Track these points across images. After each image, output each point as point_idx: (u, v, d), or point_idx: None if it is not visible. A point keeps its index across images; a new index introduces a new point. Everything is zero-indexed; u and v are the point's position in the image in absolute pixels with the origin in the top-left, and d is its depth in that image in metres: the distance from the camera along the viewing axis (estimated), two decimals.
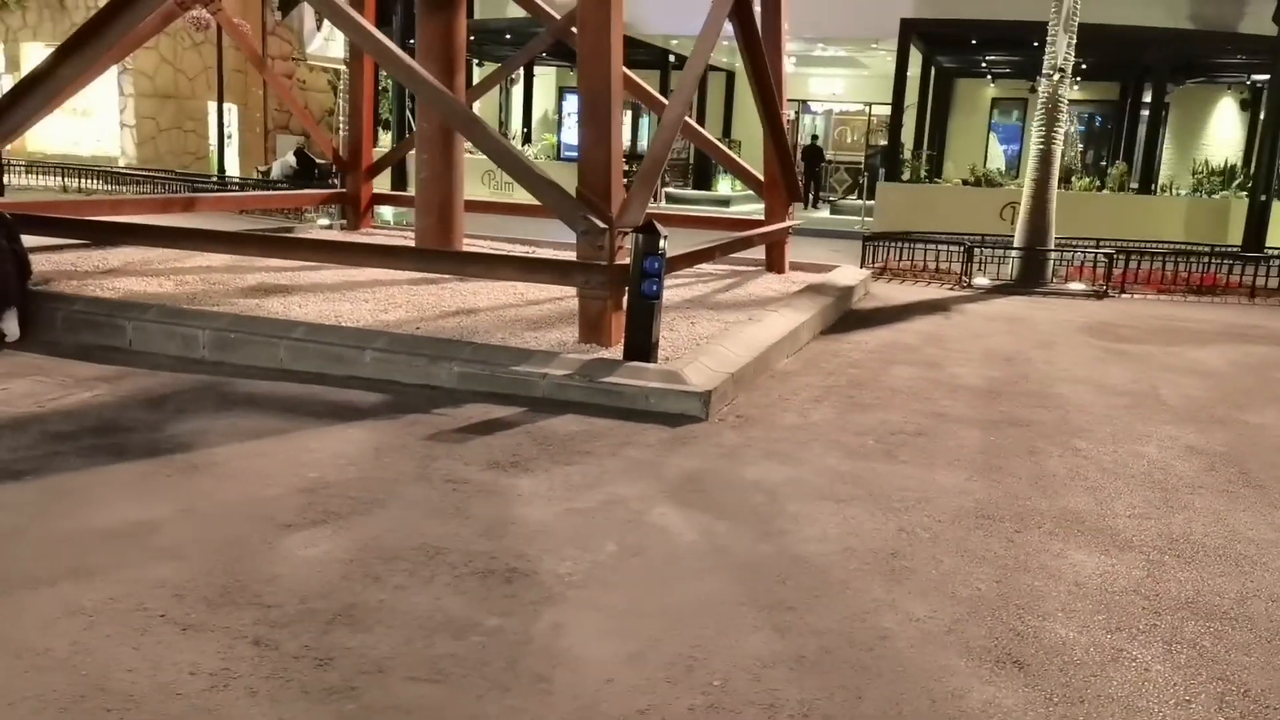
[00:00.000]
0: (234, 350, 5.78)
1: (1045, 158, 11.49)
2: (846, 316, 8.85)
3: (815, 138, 25.72)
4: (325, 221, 13.02)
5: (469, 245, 9.52)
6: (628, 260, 5.76)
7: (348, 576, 3.12)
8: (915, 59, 19.30)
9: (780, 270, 10.04)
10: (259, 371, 5.62)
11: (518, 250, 9.88)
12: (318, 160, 18.83)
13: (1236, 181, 16.93)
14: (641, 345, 5.59)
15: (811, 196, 23.61)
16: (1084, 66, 18.72)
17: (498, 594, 3.07)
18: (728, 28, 8.34)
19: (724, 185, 22.45)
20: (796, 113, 26.62)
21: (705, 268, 10.04)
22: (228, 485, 3.87)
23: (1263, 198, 15.38)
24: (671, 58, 21.74)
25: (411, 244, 8.97)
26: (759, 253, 10.13)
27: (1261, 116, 17.66)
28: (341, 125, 18.23)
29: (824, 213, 21.63)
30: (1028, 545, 3.70)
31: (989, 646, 2.92)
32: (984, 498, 4.20)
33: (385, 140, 20.16)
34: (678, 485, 4.16)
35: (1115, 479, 4.55)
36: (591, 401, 5.24)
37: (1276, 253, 13.81)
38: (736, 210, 19.88)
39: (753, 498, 4.07)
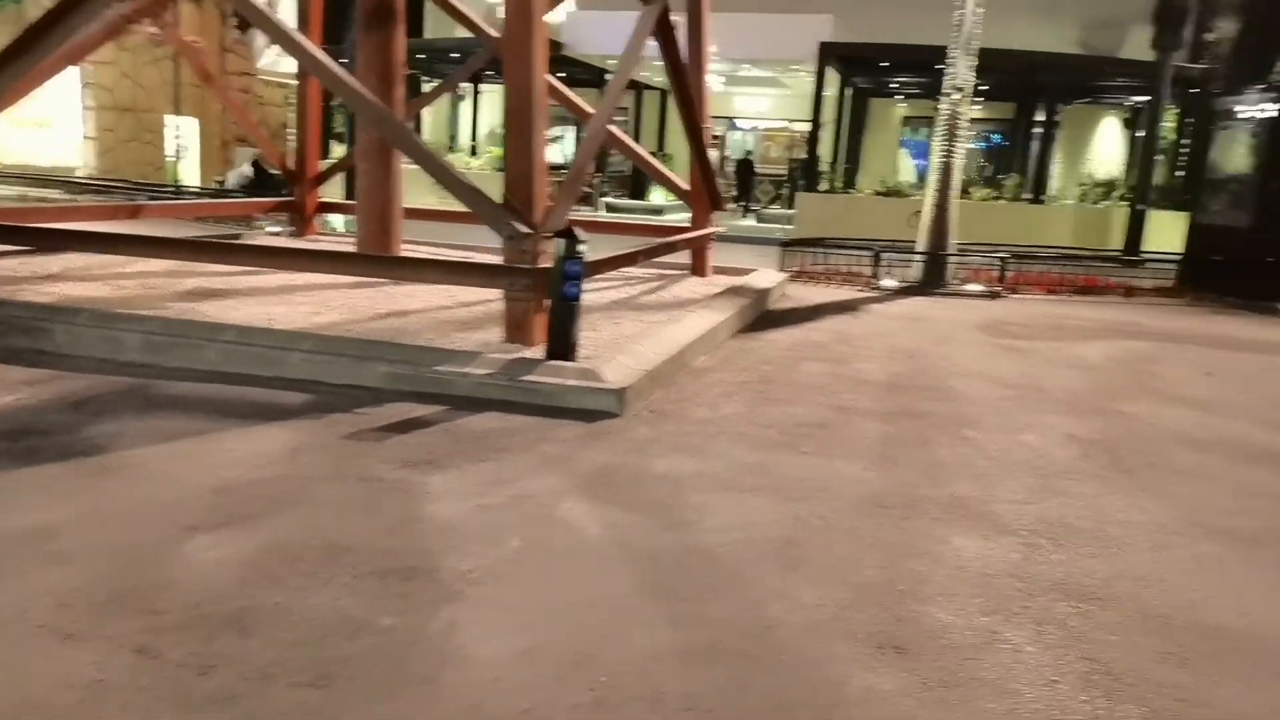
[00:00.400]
0: (164, 353, 5.47)
1: (946, 170, 11.54)
2: (763, 317, 8.76)
3: (749, 153, 25.82)
4: (275, 228, 12.59)
5: (409, 251, 9.24)
6: (551, 264, 5.57)
7: (246, 579, 2.90)
8: (833, 80, 19.39)
9: (703, 274, 9.92)
10: (188, 374, 5.31)
11: (456, 255, 9.61)
12: (273, 171, 18.29)
13: (1117, 192, 17.27)
14: (562, 345, 5.41)
15: (743, 206, 23.71)
16: (984, 88, 18.95)
17: (395, 593, 2.87)
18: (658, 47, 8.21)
19: (658, 195, 22.32)
20: (726, 129, 26.64)
21: (633, 271, 9.88)
22: (138, 488, 3.60)
23: (1140, 207, 15.72)
24: (608, 76, 21.56)
25: (352, 250, 8.67)
26: (686, 258, 10.01)
27: (1141, 134, 18.06)
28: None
29: (751, 221, 21.61)
30: (915, 531, 3.61)
31: (872, 632, 2.80)
32: (878, 486, 4.10)
33: (340, 152, 19.68)
34: (588, 480, 3.99)
35: (999, 466, 4.49)
36: (511, 400, 5.05)
37: (1152, 257, 14.11)
38: (670, 219, 19.78)
39: (659, 490, 3.92)
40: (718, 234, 10.23)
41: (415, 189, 10.97)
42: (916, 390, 6.05)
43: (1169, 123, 17.56)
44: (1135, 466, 4.62)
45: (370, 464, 3.98)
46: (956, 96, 11.29)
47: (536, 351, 5.58)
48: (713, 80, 23.47)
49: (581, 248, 5.43)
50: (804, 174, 18.63)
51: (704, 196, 9.67)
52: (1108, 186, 17.53)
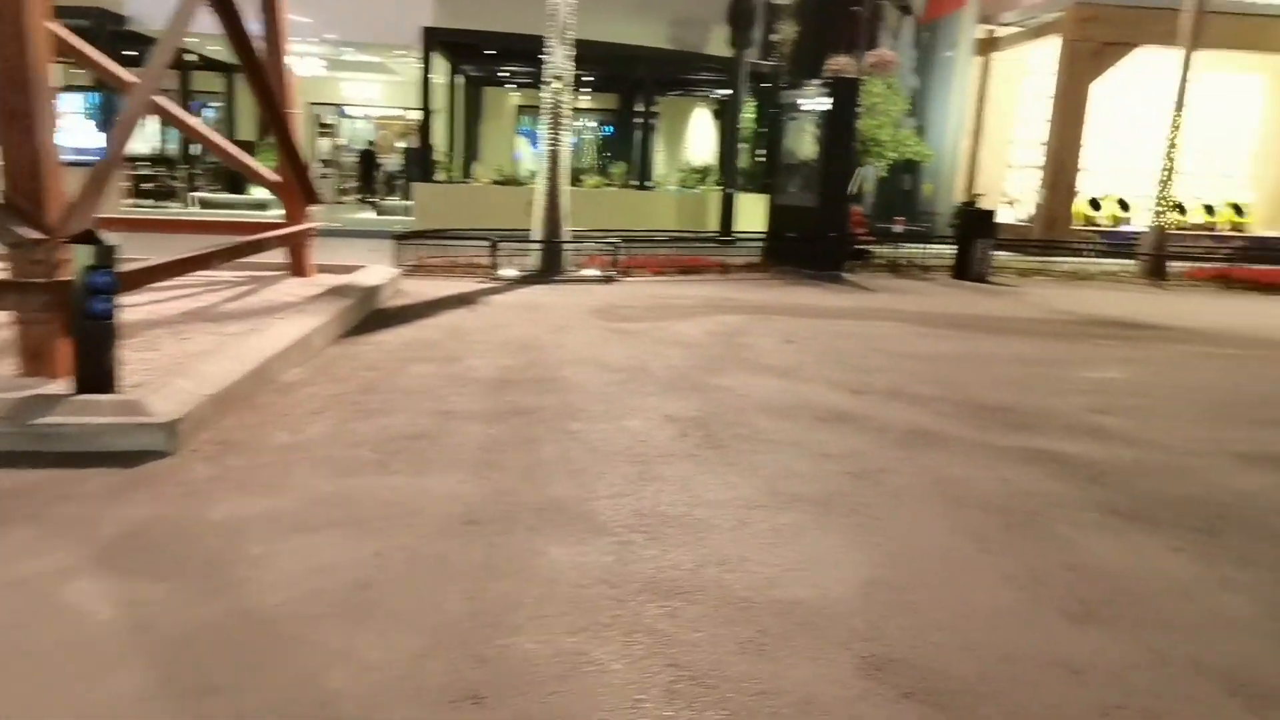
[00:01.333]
0: None
1: (554, 158, 11.64)
2: (372, 317, 8.13)
3: (371, 143, 24.55)
4: None
5: None
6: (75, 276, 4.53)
7: None
8: (442, 67, 18.91)
9: (304, 274, 9.03)
10: None
11: None
12: None
13: (712, 178, 18.82)
14: (95, 374, 4.42)
15: (364, 199, 22.54)
16: (587, 79, 19.62)
17: None
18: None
19: (260, 190, 20.33)
20: (337, 117, 25.10)
21: (221, 276, 8.72)
22: None
23: (729, 191, 17.24)
24: (187, 56, 19.23)
25: None
26: (286, 258, 9.04)
27: (724, 124, 19.81)
28: None
29: (371, 214, 20.48)
30: (508, 547, 3.33)
31: (448, 683, 2.45)
32: (474, 500, 3.79)
33: None
34: (113, 546, 3.20)
35: (600, 459, 4.40)
36: (23, 450, 4.01)
37: (743, 236, 15.52)
38: (274, 214, 18.15)
39: (210, 545, 3.26)
40: (318, 229, 9.36)
41: None
42: (527, 384, 5.86)
43: (749, 114, 19.45)
44: (726, 440, 4.78)
45: None
46: (557, 85, 11.40)
47: (64, 385, 4.53)
48: (313, 64, 21.92)
49: (113, 254, 4.48)
50: (419, 163, 18.00)
51: (295, 188, 8.76)
52: (703, 173, 19.03)
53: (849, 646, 2.75)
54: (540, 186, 11.83)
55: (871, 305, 10.27)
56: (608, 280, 11.47)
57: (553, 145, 11.59)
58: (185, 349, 5.58)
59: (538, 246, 11.76)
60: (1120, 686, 2.60)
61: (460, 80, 20.43)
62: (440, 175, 17.45)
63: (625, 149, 21.71)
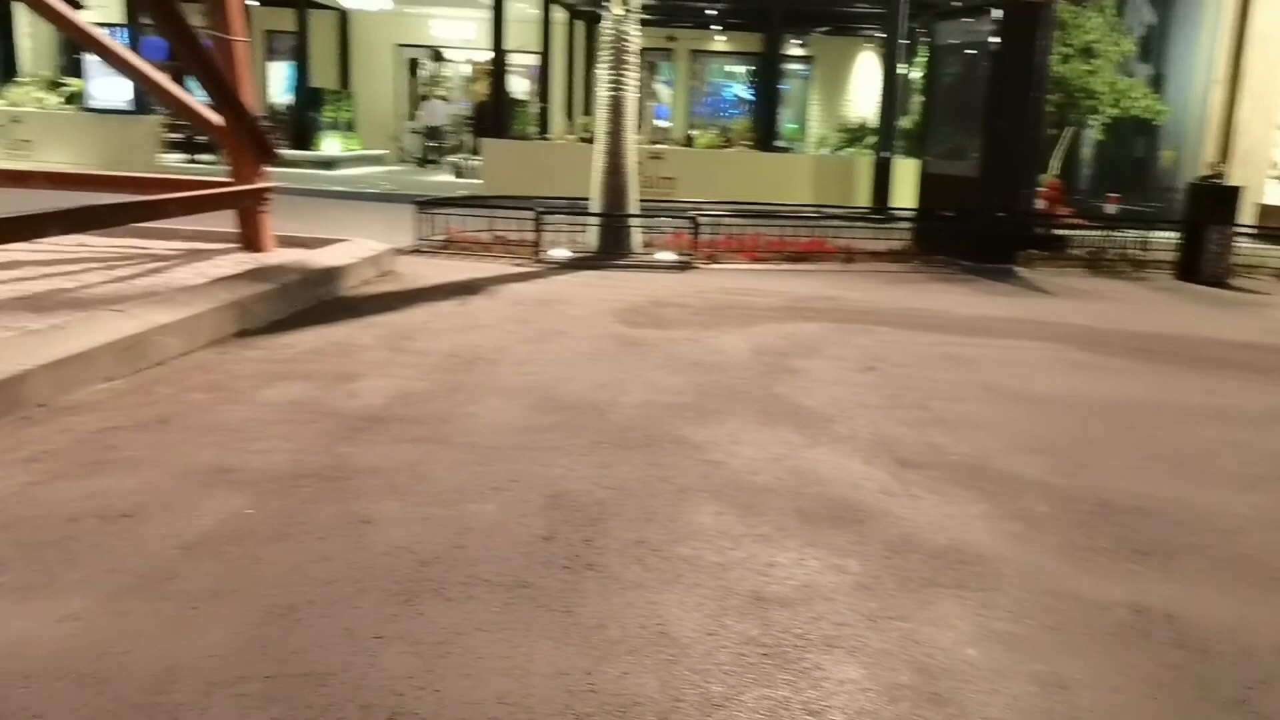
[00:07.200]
0: None
1: (616, 106, 10.22)
2: (318, 308, 7.02)
3: (438, 95, 23.94)
4: None
5: None
6: None
7: None
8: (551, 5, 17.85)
9: (259, 247, 8.05)
10: None
11: None
12: None
13: (864, 139, 16.79)
14: None
15: (427, 159, 22.04)
16: (712, 12, 18.01)
17: None
18: None
19: (334, 144, 20.00)
20: (428, 59, 24.63)
21: (149, 246, 7.90)
22: None
23: (884, 155, 15.21)
24: None
25: None
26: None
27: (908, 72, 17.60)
28: None
29: (447, 176, 19.55)
30: None
31: None
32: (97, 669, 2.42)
33: None
34: None
35: (355, 570, 2.93)
36: None
37: (903, 214, 13.44)
38: (345, 172, 17.83)
39: None
40: (273, 191, 8.33)
41: None
42: (403, 424, 4.48)
43: (920, 57, 17.26)
44: (596, 560, 3.19)
45: None
46: (619, 13, 9.97)
47: None
48: None
49: None
50: (489, 115, 17.04)
51: (241, 140, 7.77)
52: (854, 133, 17.04)
53: None
54: (598, 144, 10.43)
55: (1029, 315, 8.22)
56: (683, 267, 9.95)
57: (614, 90, 10.17)
58: None
59: (595, 221, 10.39)
60: None
61: (562, 16, 19.32)
62: (532, 129, 16.41)
63: (762, 101, 19.93)
